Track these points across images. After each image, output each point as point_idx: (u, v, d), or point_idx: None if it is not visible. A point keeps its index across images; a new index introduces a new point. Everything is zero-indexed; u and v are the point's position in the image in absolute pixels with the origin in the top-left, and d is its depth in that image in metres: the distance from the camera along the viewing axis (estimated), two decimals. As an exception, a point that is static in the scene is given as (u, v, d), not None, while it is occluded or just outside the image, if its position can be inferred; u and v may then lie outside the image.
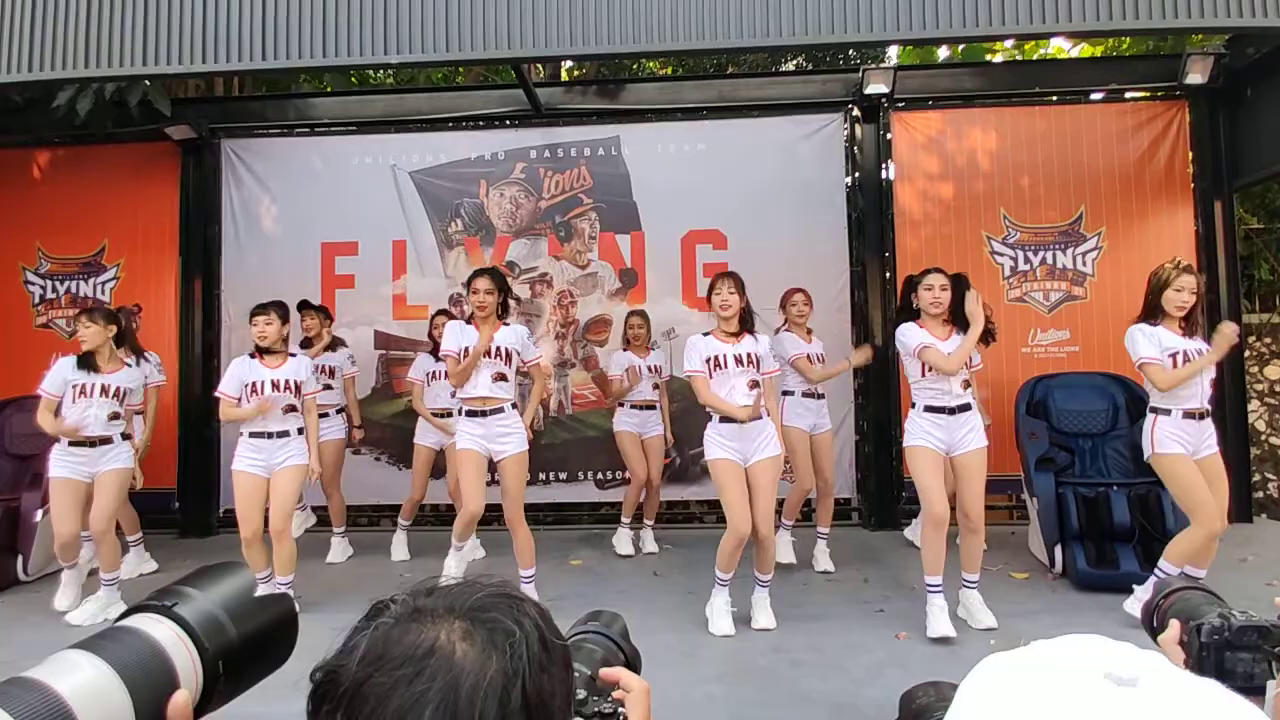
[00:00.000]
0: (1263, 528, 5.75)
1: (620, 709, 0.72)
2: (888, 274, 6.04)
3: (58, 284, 6.44)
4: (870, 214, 6.08)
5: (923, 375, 3.84)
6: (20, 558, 4.94)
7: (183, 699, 0.59)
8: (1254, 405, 6.36)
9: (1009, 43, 7.82)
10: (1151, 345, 3.71)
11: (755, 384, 3.82)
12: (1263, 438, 6.53)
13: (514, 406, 4.17)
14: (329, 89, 7.47)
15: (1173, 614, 0.94)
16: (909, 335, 3.85)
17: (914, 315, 3.92)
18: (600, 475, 6.06)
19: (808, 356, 4.80)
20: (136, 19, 3.94)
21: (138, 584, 4.89)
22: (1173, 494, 3.80)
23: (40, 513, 4.88)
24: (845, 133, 6.13)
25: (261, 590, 0.68)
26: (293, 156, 6.48)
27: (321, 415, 4.31)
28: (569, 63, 8.53)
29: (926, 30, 3.71)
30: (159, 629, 0.61)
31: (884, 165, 6.11)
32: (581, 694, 0.70)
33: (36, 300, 6.45)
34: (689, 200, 6.13)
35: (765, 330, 4.39)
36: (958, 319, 3.85)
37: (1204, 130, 5.94)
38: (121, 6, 3.94)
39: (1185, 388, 3.68)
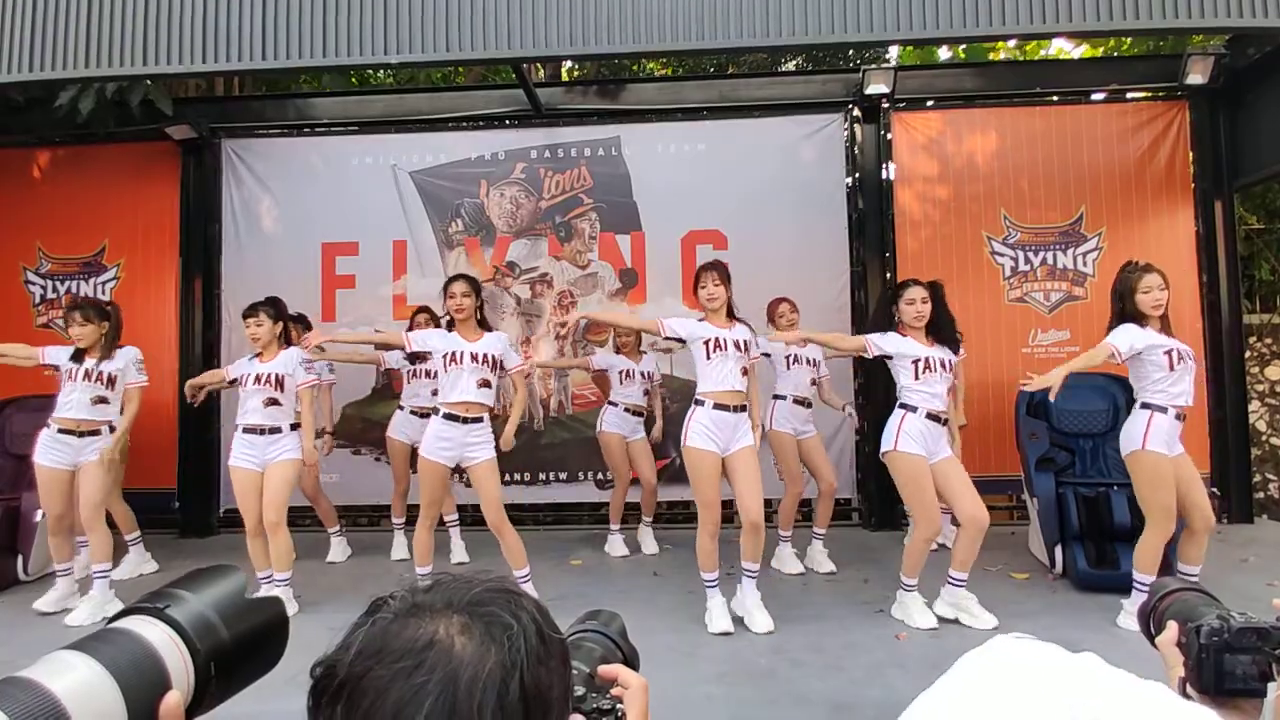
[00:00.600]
0: (1263, 528, 5.75)
1: (619, 705, 0.72)
2: (888, 274, 6.04)
3: (58, 284, 6.44)
4: (870, 214, 6.08)
5: (915, 379, 3.88)
6: (20, 558, 4.94)
7: (175, 699, 0.59)
8: (1255, 406, 6.36)
9: (1010, 43, 7.82)
10: (1129, 338, 3.70)
11: (746, 371, 3.86)
12: (1263, 438, 6.53)
13: (494, 416, 4.19)
14: (329, 89, 7.48)
15: (1170, 615, 0.94)
16: (892, 343, 3.94)
17: (892, 325, 3.99)
18: (600, 475, 6.06)
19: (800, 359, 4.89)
20: (137, 19, 3.94)
21: (139, 584, 4.90)
22: (1143, 492, 3.76)
23: (40, 513, 4.88)
24: (845, 133, 6.13)
25: (261, 591, 0.69)
26: (293, 156, 6.48)
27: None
28: (569, 63, 8.53)
29: (927, 30, 3.71)
30: (151, 630, 0.62)
31: (884, 165, 6.11)
32: (580, 691, 0.70)
33: (37, 300, 6.45)
34: (689, 200, 6.13)
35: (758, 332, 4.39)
36: (939, 329, 3.93)
37: (1204, 130, 5.94)
38: (122, 6, 3.95)
39: (1175, 384, 3.69)
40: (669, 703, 3.00)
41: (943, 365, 3.88)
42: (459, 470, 4.25)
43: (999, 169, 6.06)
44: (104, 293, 6.36)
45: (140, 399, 4.59)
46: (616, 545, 5.37)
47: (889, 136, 6.11)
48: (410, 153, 6.35)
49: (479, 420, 4.07)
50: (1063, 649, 0.61)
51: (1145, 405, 3.77)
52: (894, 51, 8.46)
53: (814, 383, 4.93)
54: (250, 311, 4.29)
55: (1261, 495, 6.36)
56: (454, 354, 4.05)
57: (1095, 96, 6.17)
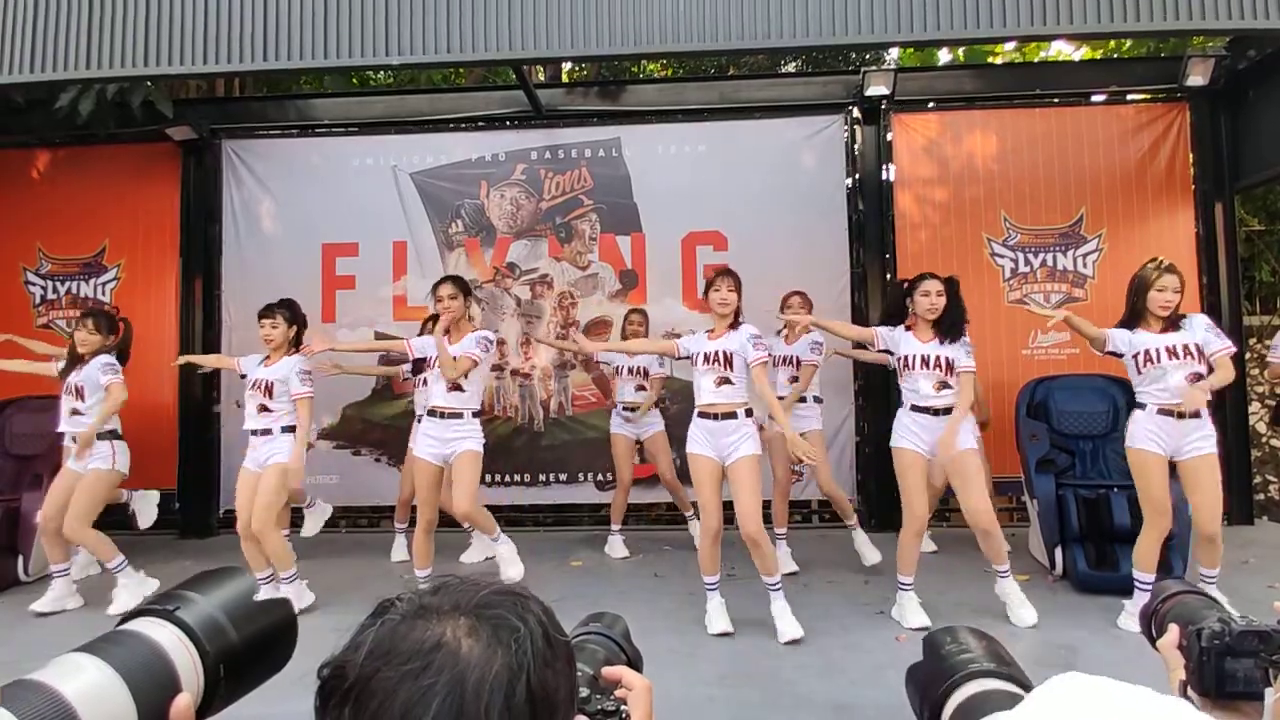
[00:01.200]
0: (1264, 530, 5.75)
1: (623, 707, 0.72)
2: (888, 276, 6.04)
3: (58, 284, 6.45)
4: (870, 216, 6.08)
5: (900, 376, 3.98)
6: (20, 558, 4.95)
7: (185, 702, 0.59)
8: (1254, 407, 6.36)
9: (1010, 45, 7.83)
10: (1119, 338, 3.80)
11: (724, 380, 3.83)
12: (1263, 440, 6.53)
13: (476, 415, 4.19)
14: (330, 90, 7.48)
15: (1171, 618, 0.94)
16: (896, 340, 3.98)
17: (902, 318, 4.01)
18: (600, 476, 6.06)
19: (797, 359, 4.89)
20: (138, 20, 3.94)
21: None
22: (1137, 488, 3.82)
23: (39, 513, 4.89)
24: (846, 134, 6.14)
25: (265, 591, 0.69)
26: (293, 157, 6.49)
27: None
28: (570, 64, 8.53)
29: (927, 32, 3.72)
30: (161, 632, 0.62)
31: (884, 167, 6.11)
32: (585, 692, 0.70)
33: (37, 301, 6.46)
34: (689, 202, 6.13)
35: (767, 333, 4.38)
36: (947, 324, 3.93)
37: (1205, 132, 5.94)
38: (123, 8, 3.95)
39: (1155, 382, 3.70)
40: (671, 704, 3.00)
41: (939, 364, 3.88)
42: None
43: (999, 170, 6.06)
44: (104, 294, 6.36)
45: (115, 395, 4.46)
46: (617, 546, 5.37)
47: (889, 138, 6.11)
48: (411, 154, 6.36)
49: (458, 416, 4.11)
50: (1153, 692, 0.60)
51: (1135, 404, 3.83)
52: (894, 53, 8.47)
53: (793, 380, 4.89)
54: (266, 312, 4.31)
55: (1261, 497, 6.37)
56: (429, 359, 4.18)
57: (1095, 98, 6.17)
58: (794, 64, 9.34)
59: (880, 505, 5.86)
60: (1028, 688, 0.81)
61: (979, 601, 4.00)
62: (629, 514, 6.08)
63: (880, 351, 4.14)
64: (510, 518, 5.86)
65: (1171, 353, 3.68)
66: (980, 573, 4.69)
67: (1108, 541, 4.43)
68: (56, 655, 0.59)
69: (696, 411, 3.89)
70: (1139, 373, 3.76)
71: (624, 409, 5.29)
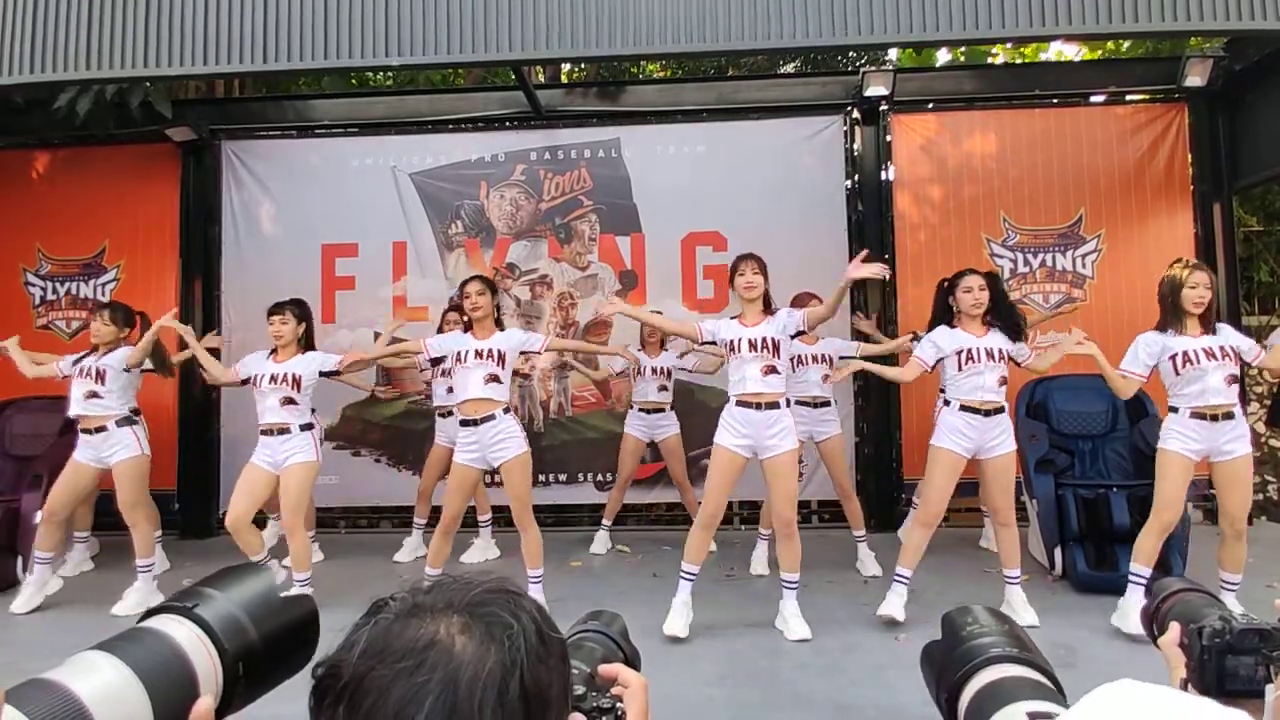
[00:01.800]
0: (1263, 530, 5.75)
1: (619, 704, 0.72)
2: (887, 276, 6.03)
3: (58, 285, 6.44)
4: (870, 216, 6.08)
5: (959, 370, 3.88)
6: (20, 558, 4.93)
7: (206, 706, 0.59)
8: (1254, 407, 6.36)
9: (1008, 46, 7.83)
10: (1141, 356, 3.78)
11: (772, 369, 3.73)
12: (1262, 439, 6.53)
13: (506, 412, 4.10)
14: (329, 90, 7.48)
15: (1173, 616, 0.94)
16: (943, 341, 3.92)
17: (950, 316, 3.98)
18: (600, 477, 6.06)
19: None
20: (138, 21, 3.94)
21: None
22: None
23: (39, 513, 4.89)
24: (845, 135, 6.14)
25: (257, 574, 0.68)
26: (293, 158, 6.49)
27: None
28: (569, 65, 8.53)
29: (926, 33, 3.72)
30: (179, 630, 0.61)
31: (884, 167, 6.12)
32: (581, 690, 0.70)
33: (37, 301, 6.45)
34: (689, 202, 6.13)
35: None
36: (997, 316, 3.91)
37: (1203, 132, 5.95)
38: (123, 8, 3.95)
39: (1192, 384, 3.69)
40: (670, 704, 3.00)
41: (989, 355, 3.84)
42: (494, 473, 4.24)
43: (998, 171, 6.07)
44: (104, 294, 6.36)
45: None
46: (599, 542, 5.43)
47: (888, 139, 6.12)
48: (410, 154, 6.36)
49: (491, 418, 4.03)
50: (1216, 704, 0.59)
51: (1169, 407, 3.83)
52: (893, 54, 8.47)
53: (826, 378, 4.87)
54: (276, 309, 4.31)
55: (1260, 497, 6.37)
56: (459, 353, 4.08)
57: (1094, 99, 6.18)
58: (793, 65, 9.35)
59: (880, 505, 5.86)
60: (1049, 674, 0.81)
61: (979, 602, 3.98)
62: (629, 514, 6.09)
63: (917, 359, 3.97)
64: (511, 518, 5.84)
65: (1210, 354, 3.68)
66: (980, 573, 4.70)
67: (1107, 541, 4.43)
68: (54, 654, 0.58)
69: (735, 400, 3.77)
70: (1176, 374, 3.73)
71: (640, 410, 5.30)
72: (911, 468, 5.75)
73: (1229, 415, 3.69)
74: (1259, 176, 5.79)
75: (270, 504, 4.84)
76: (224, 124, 6.47)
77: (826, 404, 4.84)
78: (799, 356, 4.77)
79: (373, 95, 7.42)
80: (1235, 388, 3.73)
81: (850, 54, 8.80)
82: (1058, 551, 4.57)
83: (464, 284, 4.21)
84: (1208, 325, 3.76)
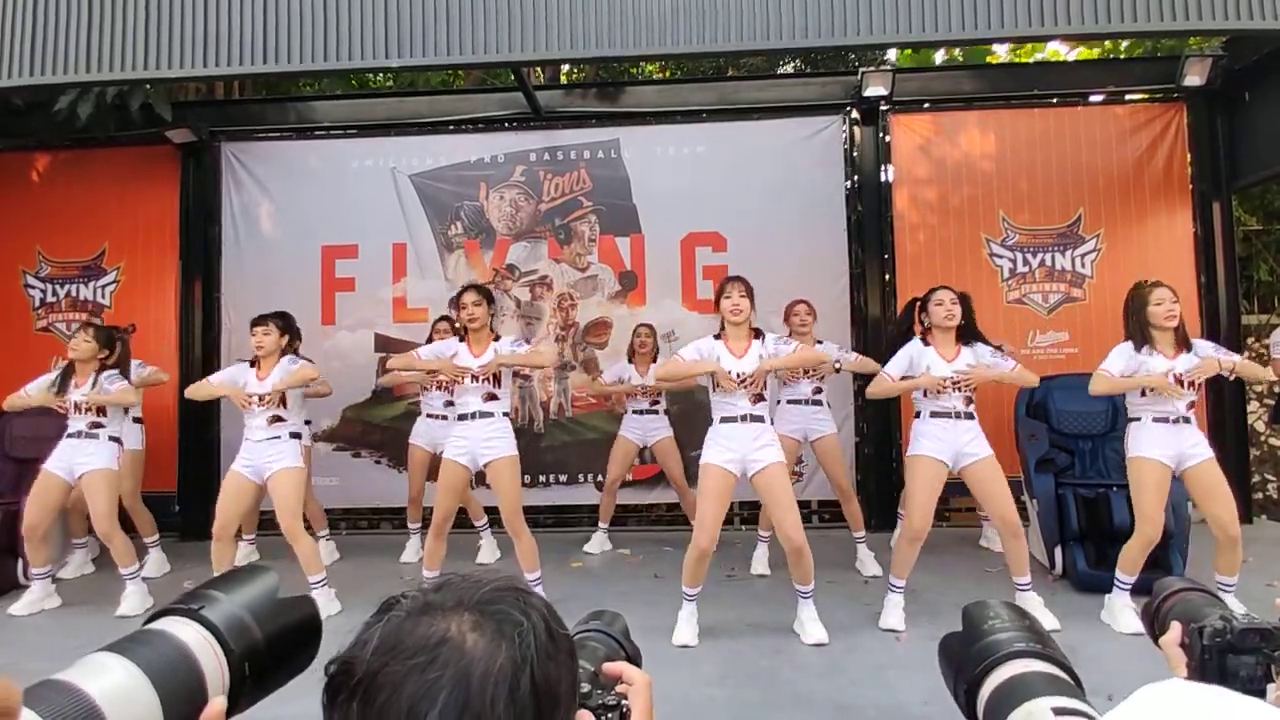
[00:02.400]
0: (1263, 529, 5.76)
1: (624, 702, 0.73)
2: (887, 276, 6.05)
3: (58, 287, 6.44)
4: (869, 216, 6.09)
5: (925, 394, 3.87)
6: (20, 561, 4.92)
7: (219, 706, 0.59)
8: (1253, 406, 6.36)
9: (1006, 46, 7.83)
10: (1120, 361, 3.78)
11: (760, 398, 3.74)
12: (1262, 439, 6.54)
13: (505, 415, 4.12)
14: (329, 92, 7.48)
15: (1173, 616, 0.94)
16: (918, 356, 3.90)
17: (912, 333, 3.97)
18: (600, 478, 6.05)
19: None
20: (137, 23, 3.95)
21: (159, 584, 4.92)
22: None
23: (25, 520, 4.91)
24: (844, 135, 6.14)
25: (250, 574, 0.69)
26: (293, 159, 6.49)
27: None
28: (568, 66, 8.53)
29: (925, 33, 3.72)
30: (186, 631, 0.62)
31: (883, 168, 6.12)
32: (586, 688, 0.71)
33: (37, 304, 6.46)
34: (688, 203, 6.14)
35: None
36: (966, 336, 3.90)
37: (1202, 132, 5.96)
38: (122, 10, 3.95)
39: (1155, 404, 3.71)
40: (671, 704, 3.00)
41: (955, 384, 3.81)
42: (480, 476, 4.24)
43: (997, 171, 6.07)
44: (104, 296, 6.37)
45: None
46: (594, 543, 5.44)
47: (887, 139, 6.12)
48: (410, 155, 6.36)
49: (489, 415, 4.05)
50: (1269, 706, 0.58)
51: (1130, 419, 3.85)
52: (892, 54, 8.47)
53: (818, 390, 4.87)
54: (260, 321, 4.31)
55: (1260, 496, 6.37)
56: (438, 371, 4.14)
57: (1093, 98, 6.18)
58: (792, 65, 9.35)
59: (880, 505, 5.86)
60: (1069, 670, 0.81)
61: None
62: (629, 514, 6.10)
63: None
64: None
65: (1179, 382, 3.69)
66: (981, 572, 4.71)
67: (1107, 541, 4.42)
68: (55, 656, 0.59)
69: (720, 419, 3.75)
70: (1143, 395, 3.76)
71: (634, 412, 5.34)
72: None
73: (1186, 420, 3.73)
74: (1258, 176, 5.79)
75: (245, 523, 4.84)
76: (224, 126, 6.47)
77: (819, 403, 4.84)
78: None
79: (372, 97, 7.43)
80: (1193, 409, 3.75)
81: (849, 54, 8.80)
82: (1058, 551, 4.57)
83: (460, 293, 4.21)
84: (1183, 342, 3.76)
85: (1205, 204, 5.93)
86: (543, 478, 6.12)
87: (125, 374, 4.64)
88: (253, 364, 4.33)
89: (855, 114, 6.12)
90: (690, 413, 5.58)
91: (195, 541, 6.00)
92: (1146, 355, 3.75)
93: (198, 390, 4.38)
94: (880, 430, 6.02)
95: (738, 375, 3.69)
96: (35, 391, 4.46)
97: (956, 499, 5.80)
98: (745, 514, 6.02)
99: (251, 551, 5.46)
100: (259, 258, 6.34)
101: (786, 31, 3.76)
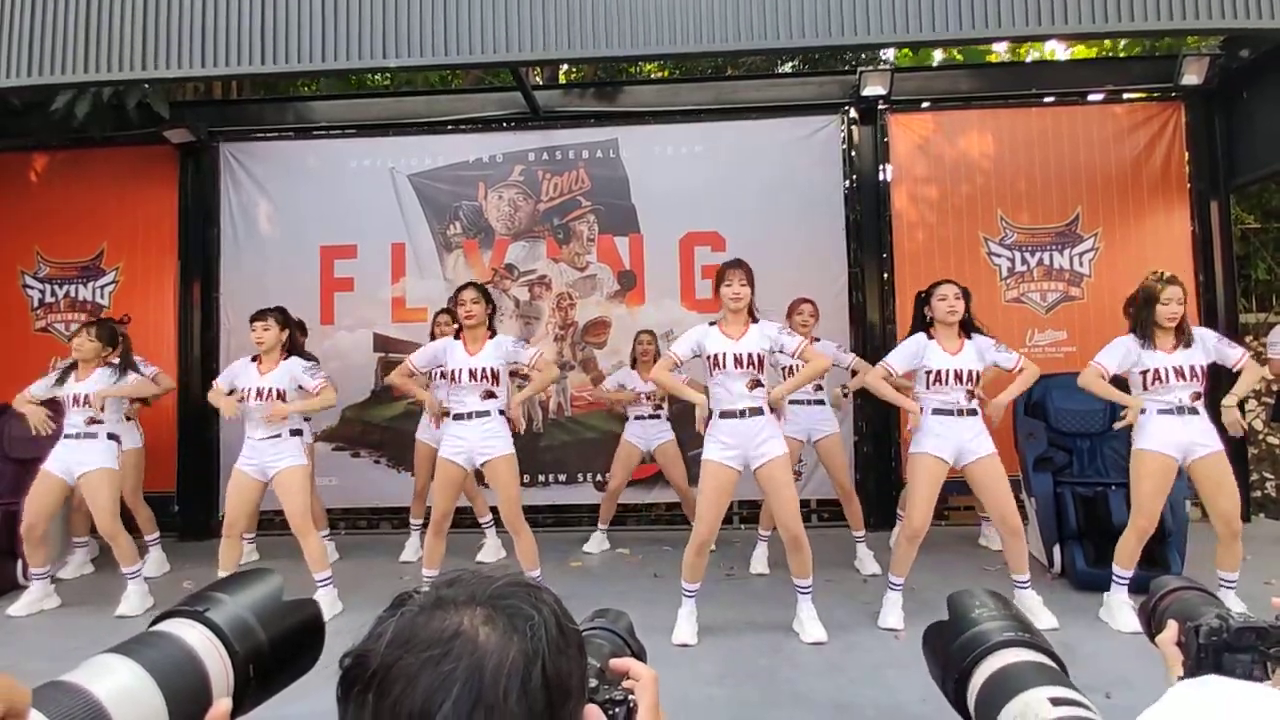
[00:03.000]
0: (1260, 527, 5.77)
1: (630, 697, 0.73)
2: (885, 275, 6.06)
3: (56, 288, 6.44)
4: (868, 215, 6.10)
5: (927, 387, 3.88)
6: (20, 561, 4.92)
7: (224, 708, 0.60)
8: (1251, 404, 6.37)
9: (1003, 46, 7.83)
10: (1116, 356, 3.81)
11: (757, 383, 3.70)
12: (1260, 437, 6.55)
13: (501, 413, 4.12)
14: (327, 92, 7.47)
15: (1170, 614, 0.95)
16: (915, 357, 3.92)
17: (924, 328, 3.96)
18: (600, 477, 6.06)
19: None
20: (135, 23, 3.94)
21: (158, 583, 4.92)
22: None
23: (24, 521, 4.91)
24: (843, 134, 6.15)
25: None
26: (291, 159, 6.49)
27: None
28: (566, 65, 8.53)
29: (923, 33, 3.72)
30: (191, 633, 0.63)
31: (881, 167, 6.13)
32: (593, 683, 0.72)
33: (35, 304, 6.45)
34: (687, 202, 6.14)
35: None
36: (968, 329, 3.92)
37: (1200, 131, 5.96)
38: (120, 10, 3.95)
39: (1154, 395, 3.73)
40: (670, 703, 2.99)
41: (958, 377, 3.81)
42: (479, 474, 4.25)
43: (995, 170, 6.08)
44: (103, 296, 6.36)
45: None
46: (593, 543, 5.45)
47: (886, 138, 6.13)
48: (408, 155, 6.36)
49: (486, 414, 4.06)
50: None
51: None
52: (890, 53, 8.48)
53: (818, 388, 4.86)
54: (259, 316, 4.31)
55: (1259, 494, 6.38)
56: (453, 373, 4.09)
57: (1091, 98, 6.19)
58: (790, 64, 9.35)
59: (879, 504, 5.87)
60: (1054, 656, 0.82)
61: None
62: (629, 514, 6.11)
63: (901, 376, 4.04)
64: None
65: (1179, 374, 3.70)
66: (980, 571, 4.72)
67: (1106, 539, 4.42)
68: (54, 656, 0.59)
69: (719, 413, 3.71)
70: (1145, 388, 3.77)
71: (636, 417, 5.36)
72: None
73: (1194, 411, 3.72)
74: (1256, 174, 5.80)
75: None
76: (222, 125, 6.47)
77: (821, 403, 4.84)
78: (791, 368, 4.76)
79: (370, 97, 7.42)
80: (1200, 400, 3.74)
81: (847, 54, 8.80)
82: (1056, 549, 4.58)
83: (459, 290, 4.21)
84: (1182, 337, 3.77)
85: (1203, 203, 5.93)
86: (542, 477, 6.12)
87: (132, 367, 4.66)
88: (254, 359, 4.33)
89: (853, 113, 6.12)
90: (690, 412, 5.55)
91: (194, 541, 6.01)
92: (1142, 349, 3.76)
93: (215, 399, 4.36)
94: (879, 429, 6.02)
95: (734, 357, 3.67)
96: (39, 390, 4.50)
97: (955, 497, 5.80)
98: (745, 513, 6.02)
99: (251, 550, 5.46)
100: (258, 258, 6.34)
101: (785, 31, 3.77)
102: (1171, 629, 0.92)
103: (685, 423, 5.45)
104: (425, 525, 4.93)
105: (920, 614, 3.87)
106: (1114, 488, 4.50)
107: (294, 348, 4.43)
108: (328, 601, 4.11)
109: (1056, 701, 0.71)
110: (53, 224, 6.41)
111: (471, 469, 4.15)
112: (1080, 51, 7.98)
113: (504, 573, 0.66)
